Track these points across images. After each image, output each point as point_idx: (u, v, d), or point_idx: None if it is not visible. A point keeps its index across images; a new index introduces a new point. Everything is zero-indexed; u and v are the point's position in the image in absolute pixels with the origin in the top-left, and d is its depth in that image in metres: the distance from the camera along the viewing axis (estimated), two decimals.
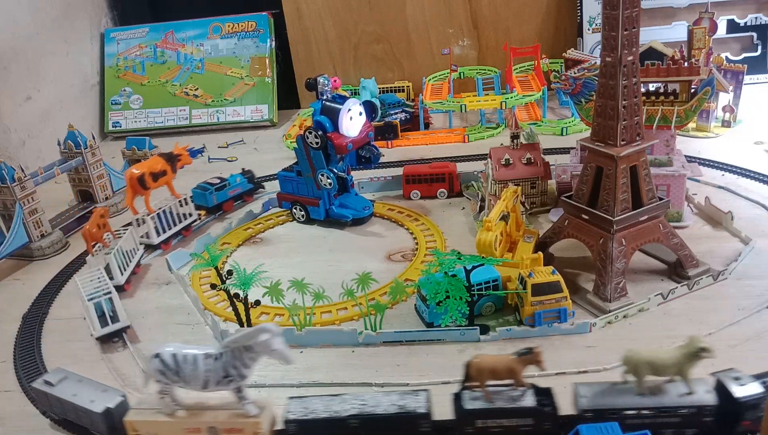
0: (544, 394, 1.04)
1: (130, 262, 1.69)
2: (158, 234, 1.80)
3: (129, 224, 1.78)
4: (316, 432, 1.04)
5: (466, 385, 1.05)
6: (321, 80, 1.80)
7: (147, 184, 1.76)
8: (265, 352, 1.02)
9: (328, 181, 1.76)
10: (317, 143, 1.73)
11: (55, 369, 1.20)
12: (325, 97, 1.78)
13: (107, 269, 1.60)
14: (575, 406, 1.04)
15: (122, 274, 1.63)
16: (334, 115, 1.73)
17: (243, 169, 2.11)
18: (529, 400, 1.03)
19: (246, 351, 1.03)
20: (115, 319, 1.45)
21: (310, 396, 1.08)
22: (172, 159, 1.84)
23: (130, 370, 1.35)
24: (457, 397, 1.05)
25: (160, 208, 1.81)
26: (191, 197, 1.91)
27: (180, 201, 1.87)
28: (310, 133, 1.73)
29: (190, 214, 1.90)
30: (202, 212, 1.96)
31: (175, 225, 1.85)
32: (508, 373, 1.03)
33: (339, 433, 1.03)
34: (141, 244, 1.79)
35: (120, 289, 1.59)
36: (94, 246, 1.66)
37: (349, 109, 1.73)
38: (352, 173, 1.94)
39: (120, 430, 1.09)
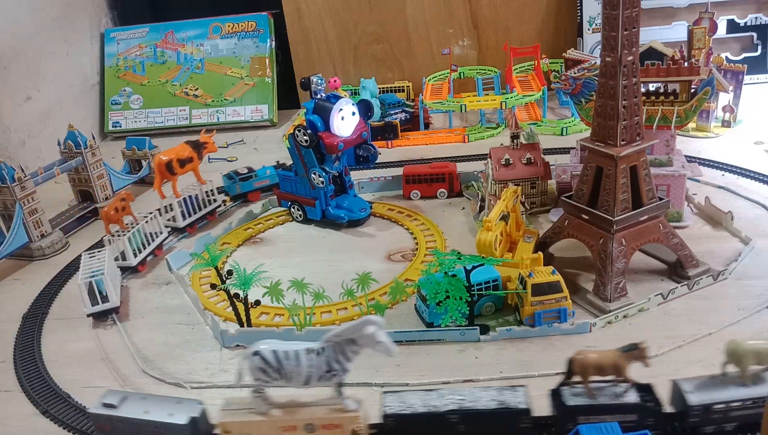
0: (646, 390, 1.03)
1: (150, 244, 1.74)
2: (184, 217, 1.87)
3: (157, 210, 1.84)
4: (414, 427, 1.02)
5: (567, 381, 1.04)
6: (314, 79, 1.80)
7: (174, 169, 1.84)
8: (370, 344, 1.00)
9: (321, 179, 1.76)
10: (307, 141, 1.73)
11: (107, 392, 1.10)
12: (318, 97, 1.79)
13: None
14: (678, 403, 1.03)
15: (136, 255, 1.68)
16: (325, 115, 1.73)
17: (278, 162, 2.11)
18: (632, 396, 1.01)
19: (349, 344, 1.01)
20: (106, 299, 1.49)
21: (404, 391, 1.06)
22: (198, 146, 1.91)
23: (129, 370, 1.35)
24: (556, 394, 1.03)
25: (186, 193, 1.89)
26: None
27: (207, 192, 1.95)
28: (299, 131, 1.73)
29: (215, 200, 1.97)
30: (228, 199, 2.04)
31: (200, 209, 1.92)
32: (614, 369, 1.02)
33: (437, 428, 1.02)
34: (167, 227, 1.85)
35: (134, 269, 1.66)
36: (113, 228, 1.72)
37: (341, 109, 1.73)
38: (352, 174, 1.94)
39: None
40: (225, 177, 2.06)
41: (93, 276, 1.50)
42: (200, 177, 1.94)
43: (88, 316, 1.50)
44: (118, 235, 1.69)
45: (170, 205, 1.86)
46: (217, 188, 2.00)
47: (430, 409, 1.01)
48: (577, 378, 1.03)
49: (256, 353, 1.02)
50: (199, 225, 1.92)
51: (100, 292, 1.50)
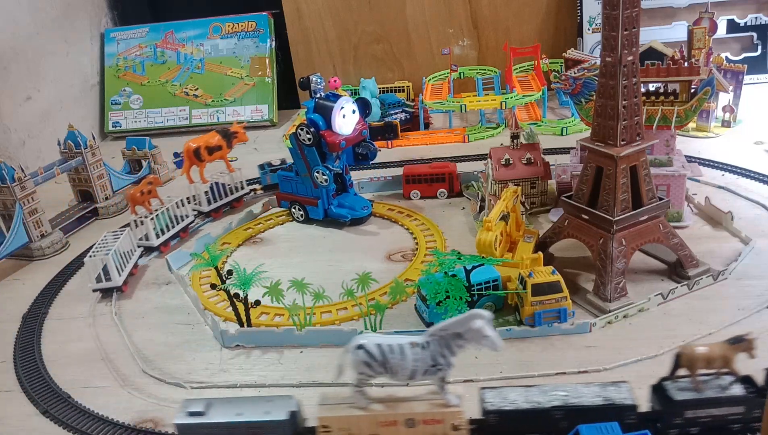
0: (748, 382, 1.01)
1: (173, 227, 1.84)
2: (209, 203, 1.94)
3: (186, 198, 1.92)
4: (517, 422, 1.01)
5: (672, 375, 1.02)
6: (314, 78, 1.81)
7: (202, 156, 1.92)
8: (477, 338, 0.98)
9: (324, 178, 1.76)
10: (309, 140, 1.73)
11: (184, 401, 1.06)
12: (318, 96, 1.79)
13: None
14: None
15: (158, 236, 1.78)
16: (327, 113, 1.73)
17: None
18: (737, 389, 1.00)
19: (455, 338, 0.99)
20: (109, 278, 1.58)
21: (502, 387, 1.04)
22: (228, 135, 1.98)
23: (129, 370, 1.35)
24: (660, 388, 1.02)
25: (214, 180, 1.97)
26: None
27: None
28: (302, 129, 1.74)
29: (241, 188, 2.04)
30: (259, 188, 2.11)
31: (226, 196, 1.99)
32: (723, 361, 1.00)
33: (538, 424, 1.01)
34: (194, 211, 1.94)
35: (156, 249, 1.78)
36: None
37: (342, 107, 1.73)
38: (352, 173, 1.94)
39: (300, 432, 1.05)
40: (258, 167, 2.11)
41: (100, 254, 1.58)
42: (229, 165, 2.00)
43: (94, 291, 1.60)
44: (139, 219, 1.78)
45: (195, 195, 1.94)
46: (249, 180, 2.09)
47: (534, 406, 1.00)
48: (683, 372, 1.01)
49: (360, 347, 1.00)
50: (224, 210, 1.99)
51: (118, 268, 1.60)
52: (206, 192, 1.94)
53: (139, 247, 1.76)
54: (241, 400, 1.08)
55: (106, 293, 1.61)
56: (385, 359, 1.00)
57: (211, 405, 1.04)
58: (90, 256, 1.59)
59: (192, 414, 1.03)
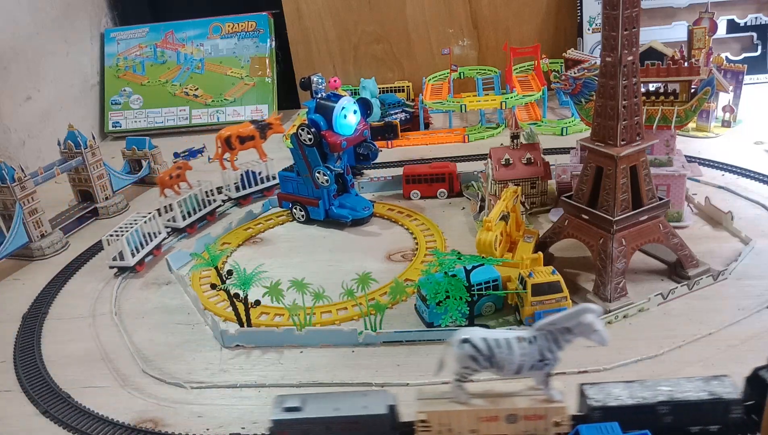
0: None
1: (201, 209, 1.92)
2: (238, 190, 2.01)
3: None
4: (620, 418, 0.98)
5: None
6: (315, 79, 1.81)
7: (233, 144, 1.99)
8: (586, 333, 0.98)
9: (325, 178, 1.76)
10: (310, 140, 1.73)
11: (277, 397, 1.05)
12: (319, 96, 1.79)
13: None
14: None
15: (184, 219, 1.86)
16: (328, 114, 1.73)
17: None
18: None
19: (564, 333, 0.99)
20: (125, 258, 1.67)
21: (603, 383, 1.03)
22: (263, 127, 2.04)
23: (129, 370, 1.35)
24: (758, 379, 0.99)
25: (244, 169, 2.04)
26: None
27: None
28: (303, 129, 1.74)
29: (270, 178, 2.08)
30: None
31: (255, 185, 2.05)
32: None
33: (643, 419, 0.99)
34: (224, 197, 2.03)
35: (182, 231, 1.86)
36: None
37: (343, 107, 1.73)
38: (352, 173, 1.94)
39: (399, 427, 1.03)
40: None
41: (115, 235, 1.65)
42: (262, 154, 2.07)
43: (110, 268, 1.69)
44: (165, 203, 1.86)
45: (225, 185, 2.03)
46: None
47: (639, 401, 0.98)
48: None
49: (466, 341, 0.99)
50: (254, 198, 2.05)
51: (134, 250, 1.69)
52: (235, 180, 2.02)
53: (166, 228, 1.83)
54: (335, 395, 1.07)
55: (122, 271, 1.70)
56: (492, 354, 0.99)
57: (306, 400, 1.03)
58: (107, 236, 1.67)
59: (288, 410, 1.02)
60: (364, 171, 2.13)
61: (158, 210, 1.83)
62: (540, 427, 1.00)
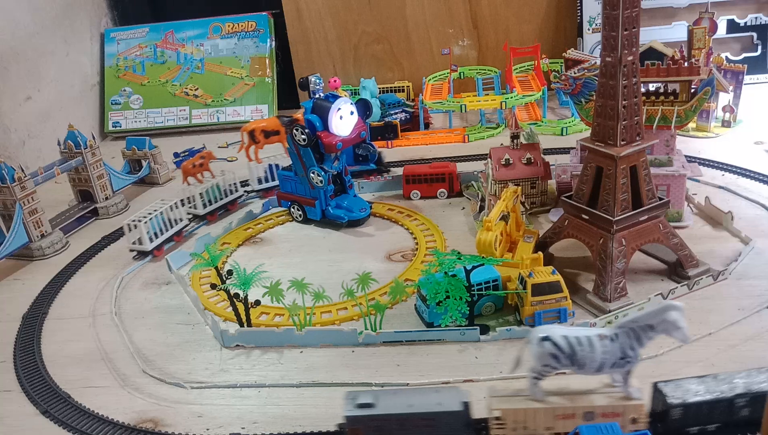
0: None
1: (223, 198, 2.00)
2: (260, 182, 2.06)
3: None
4: (698, 414, 0.98)
5: None
6: (313, 79, 1.81)
7: (256, 138, 1.98)
8: (669, 330, 0.97)
9: (320, 178, 1.76)
10: (305, 140, 1.73)
11: (349, 392, 1.05)
12: (317, 96, 1.79)
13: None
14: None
15: (205, 207, 1.93)
16: (324, 114, 1.73)
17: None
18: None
19: (646, 330, 0.98)
20: (144, 243, 1.74)
21: (675, 380, 1.02)
22: (289, 123, 2.04)
23: (129, 370, 1.35)
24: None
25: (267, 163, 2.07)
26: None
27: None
28: (298, 130, 1.74)
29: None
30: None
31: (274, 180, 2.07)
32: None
33: (721, 414, 0.99)
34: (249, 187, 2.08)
35: (202, 218, 1.94)
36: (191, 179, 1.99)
37: (339, 108, 1.73)
38: (379, 171, 1.94)
39: (473, 424, 1.02)
40: None
41: (135, 221, 1.73)
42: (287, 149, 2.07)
43: (130, 250, 1.77)
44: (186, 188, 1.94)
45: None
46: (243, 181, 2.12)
47: (717, 396, 0.98)
48: None
49: (546, 338, 0.99)
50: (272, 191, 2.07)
51: (154, 234, 1.77)
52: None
53: (188, 214, 1.91)
54: (406, 392, 1.07)
55: (141, 255, 1.77)
56: (574, 352, 0.98)
57: (378, 396, 1.03)
58: (128, 221, 1.75)
59: (361, 406, 1.01)
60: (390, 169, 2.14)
61: (182, 200, 1.90)
62: None
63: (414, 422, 1.01)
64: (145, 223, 1.73)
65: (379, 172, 2.10)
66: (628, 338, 0.98)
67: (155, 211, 1.78)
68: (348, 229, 1.84)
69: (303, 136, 1.73)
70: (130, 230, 1.76)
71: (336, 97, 1.76)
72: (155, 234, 1.77)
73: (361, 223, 1.85)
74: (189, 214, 1.93)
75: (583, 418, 0.99)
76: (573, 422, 0.99)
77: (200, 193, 1.93)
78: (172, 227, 1.82)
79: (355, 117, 1.78)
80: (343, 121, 1.75)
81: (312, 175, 1.77)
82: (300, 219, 1.89)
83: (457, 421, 1.00)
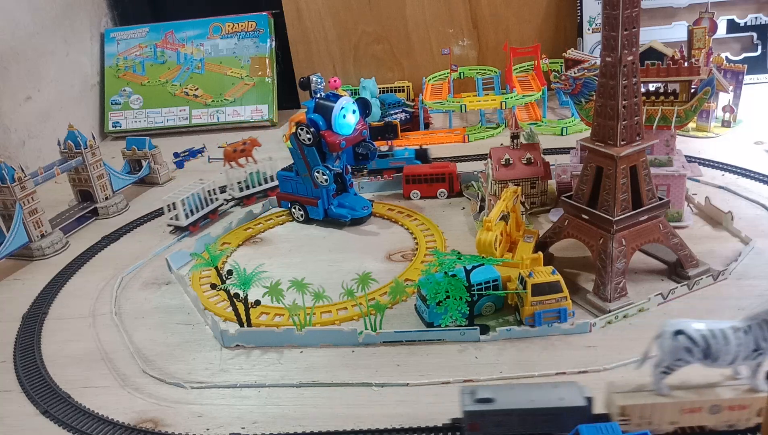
0: None
1: (259, 185, 2.06)
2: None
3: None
4: None
5: None
6: (314, 79, 1.81)
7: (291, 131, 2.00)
8: None
9: (324, 177, 1.76)
10: (309, 139, 1.73)
11: (465, 388, 1.04)
12: (318, 96, 1.79)
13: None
14: None
15: (241, 190, 2.01)
16: (327, 113, 1.73)
17: (420, 145, 2.13)
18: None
19: None
20: (179, 219, 1.86)
21: None
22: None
23: (129, 370, 1.35)
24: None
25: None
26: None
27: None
28: (302, 129, 1.74)
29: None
30: (364, 171, 2.14)
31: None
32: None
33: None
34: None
35: (239, 201, 2.03)
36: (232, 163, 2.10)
37: (342, 107, 1.73)
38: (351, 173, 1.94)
39: (594, 419, 1.01)
40: None
41: (171, 198, 1.83)
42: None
43: (168, 225, 1.89)
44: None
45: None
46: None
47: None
48: None
49: (680, 332, 0.97)
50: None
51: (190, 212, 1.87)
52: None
53: (226, 197, 2.01)
54: (523, 387, 1.06)
55: (177, 231, 1.88)
56: (708, 345, 0.97)
57: (496, 392, 1.03)
58: (166, 197, 1.86)
59: (481, 401, 1.01)
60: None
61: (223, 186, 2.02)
62: (742, 418, 0.99)
63: (535, 418, 1.00)
64: (182, 200, 1.83)
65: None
66: (761, 330, 0.97)
67: (193, 190, 1.87)
68: (348, 228, 1.84)
69: (308, 136, 1.73)
70: (169, 210, 1.87)
71: (338, 96, 1.76)
72: (191, 211, 1.87)
73: (363, 221, 1.85)
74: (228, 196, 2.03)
75: (710, 412, 0.99)
76: (699, 416, 0.99)
77: (238, 181, 2.02)
78: (207, 206, 1.92)
79: (357, 116, 1.78)
80: (346, 120, 1.75)
81: (317, 174, 1.77)
82: (302, 219, 1.89)
83: (580, 417, 0.99)
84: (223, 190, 2.05)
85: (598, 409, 1.02)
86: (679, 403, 0.99)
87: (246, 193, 2.03)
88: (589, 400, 1.00)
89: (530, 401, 1.00)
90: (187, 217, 1.86)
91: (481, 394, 1.02)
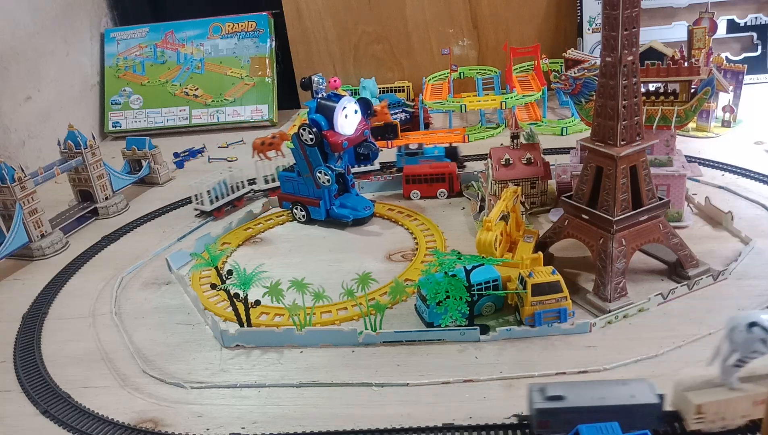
0: None
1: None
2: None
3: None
4: None
5: None
6: (316, 79, 1.81)
7: None
8: None
9: (327, 178, 1.76)
10: (312, 140, 1.73)
11: (533, 385, 1.05)
12: (320, 96, 1.79)
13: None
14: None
15: (266, 183, 2.05)
16: (329, 114, 1.73)
17: (450, 144, 2.13)
18: None
19: None
20: (204, 204, 1.94)
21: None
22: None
23: (129, 370, 1.35)
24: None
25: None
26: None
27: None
28: (304, 129, 1.74)
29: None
30: (393, 169, 2.15)
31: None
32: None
33: None
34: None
35: (264, 193, 2.05)
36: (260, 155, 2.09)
37: (344, 107, 1.73)
38: (352, 173, 1.94)
39: (666, 416, 1.02)
40: (397, 148, 2.14)
41: (199, 184, 1.91)
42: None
43: (195, 210, 1.97)
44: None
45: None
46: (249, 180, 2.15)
47: None
48: None
49: (754, 324, 0.97)
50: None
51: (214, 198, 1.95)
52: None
53: (249, 184, 2.06)
54: (592, 384, 1.05)
55: (203, 215, 1.96)
56: None
57: (566, 389, 1.02)
58: (194, 182, 1.94)
59: (551, 399, 1.01)
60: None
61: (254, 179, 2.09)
62: None
63: (606, 414, 0.98)
64: (207, 186, 1.92)
65: (459, 167, 2.08)
66: None
67: (220, 178, 1.95)
68: (348, 228, 1.84)
69: (310, 136, 1.73)
70: (196, 199, 1.95)
71: (339, 96, 1.76)
72: (216, 197, 1.94)
73: (365, 221, 1.85)
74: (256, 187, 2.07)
75: None
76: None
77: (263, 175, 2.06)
78: (233, 193, 1.99)
79: (359, 116, 1.78)
80: (348, 120, 1.75)
81: (319, 174, 1.77)
82: (303, 220, 1.89)
83: (652, 414, 0.99)
84: (252, 181, 2.08)
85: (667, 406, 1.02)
86: (751, 396, 0.99)
87: (271, 185, 2.06)
88: (661, 397, 0.99)
89: (601, 398, 1.00)
90: (211, 202, 1.93)
91: (551, 391, 1.01)
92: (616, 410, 0.98)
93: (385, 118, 2.11)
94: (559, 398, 1.00)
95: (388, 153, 2.12)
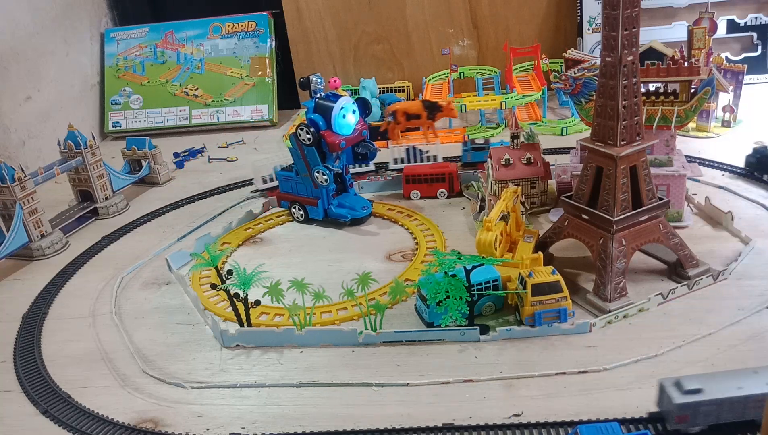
0: None
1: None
2: (396, 163, 2.11)
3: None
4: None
5: None
6: (314, 79, 1.81)
7: (398, 119, 2.14)
8: None
9: (324, 177, 1.76)
10: (309, 139, 1.73)
11: (663, 380, 1.04)
12: (318, 96, 1.79)
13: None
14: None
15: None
16: (327, 113, 1.73)
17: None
18: None
19: None
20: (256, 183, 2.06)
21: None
22: (432, 108, 2.11)
23: (129, 370, 1.35)
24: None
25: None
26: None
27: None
28: (302, 129, 1.74)
29: (432, 159, 2.08)
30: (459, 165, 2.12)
31: (421, 161, 2.08)
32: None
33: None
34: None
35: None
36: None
37: (342, 107, 1.73)
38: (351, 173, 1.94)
39: None
40: (463, 143, 2.14)
41: (258, 166, 2.02)
42: (427, 135, 2.17)
43: (251, 192, 2.09)
44: None
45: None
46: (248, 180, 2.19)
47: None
48: None
49: None
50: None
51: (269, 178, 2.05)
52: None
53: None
54: (725, 375, 1.04)
55: (256, 192, 2.07)
56: None
57: (701, 381, 1.01)
58: (256, 163, 2.05)
59: (689, 392, 1.00)
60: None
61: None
62: None
63: (744, 405, 0.98)
64: (263, 166, 2.02)
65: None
66: None
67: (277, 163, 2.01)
68: (348, 228, 1.84)
69: (308, 136, 1.73)
70: (255, 174, 2.05)
71: (337, 96, 1.77)
72: (270, 179, 2.04)
73: (363, 221, 1.85)
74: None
75: None
76: None
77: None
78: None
79: (357, 116, 1.78)
80: (346, 120, 1.75)
81: (317, 174, 1.77)
82: (301, 219, 1.89)
83: None
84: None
85: None
86: None
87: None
88: None
89: (738, 388, 0.99)
90: (264, 182, 2.04)
91: (689, 385, 1.00)
92: (756, 399, 0.97)
93: (451, 114, 2.14)
94: (698, 391, 0.99)
95: (385, 153, 2.12)
